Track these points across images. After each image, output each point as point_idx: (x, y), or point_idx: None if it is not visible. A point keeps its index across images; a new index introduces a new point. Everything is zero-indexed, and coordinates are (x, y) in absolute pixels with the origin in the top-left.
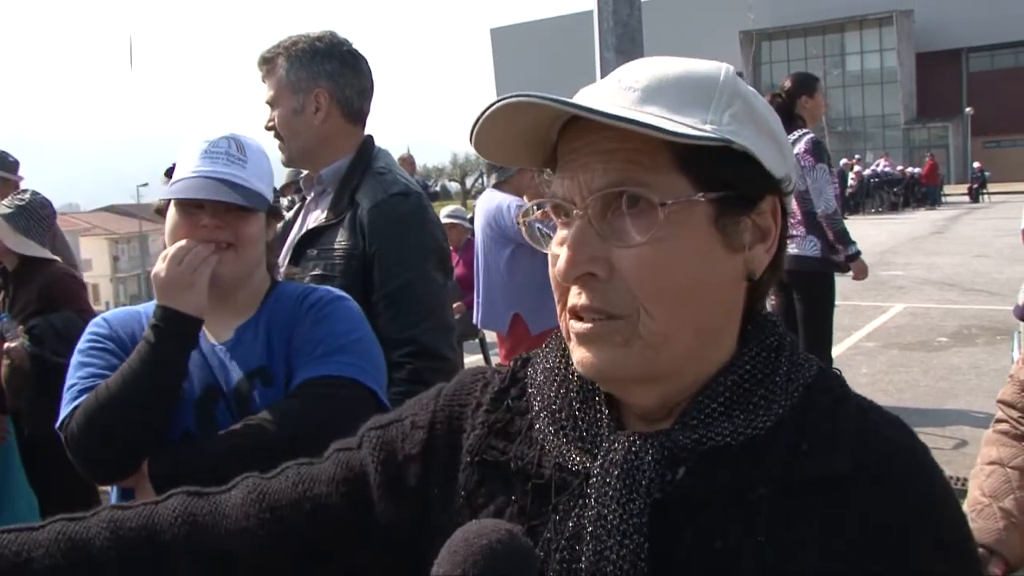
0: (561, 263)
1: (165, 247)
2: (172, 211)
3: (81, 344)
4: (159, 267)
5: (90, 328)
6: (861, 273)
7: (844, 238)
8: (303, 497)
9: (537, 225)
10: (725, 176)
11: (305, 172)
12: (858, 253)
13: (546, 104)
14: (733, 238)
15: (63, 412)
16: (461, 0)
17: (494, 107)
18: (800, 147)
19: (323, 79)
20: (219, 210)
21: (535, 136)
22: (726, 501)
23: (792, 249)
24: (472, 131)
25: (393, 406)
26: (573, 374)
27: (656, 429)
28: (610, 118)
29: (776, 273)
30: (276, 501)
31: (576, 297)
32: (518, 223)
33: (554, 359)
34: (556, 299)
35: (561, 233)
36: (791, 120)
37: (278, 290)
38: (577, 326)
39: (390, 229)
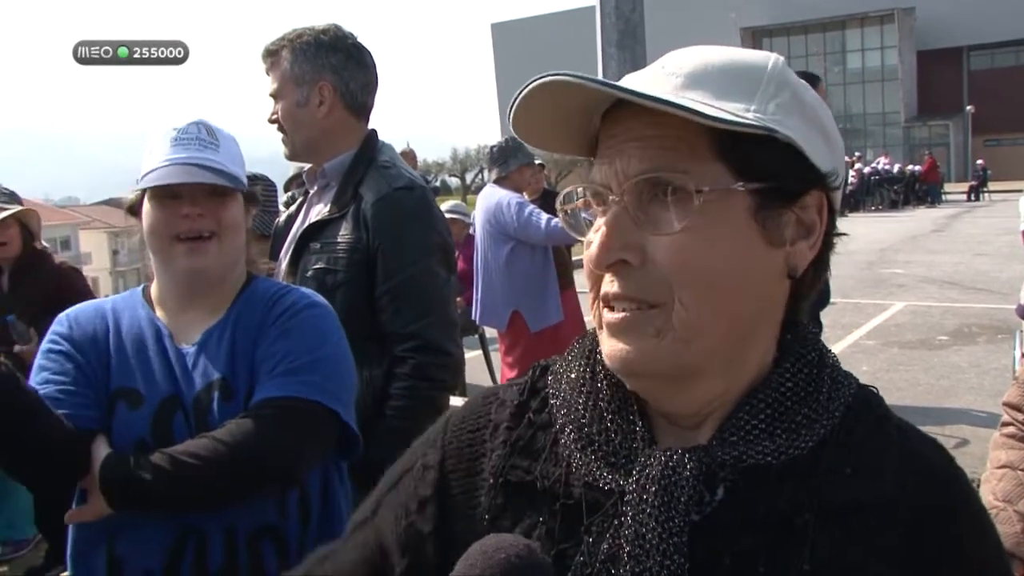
0: (594, 248)
1: (146, 246)
2: (148, 206)
3: (44, 344)
4: None
5: (53, 325)
6: None
7: None
8: None
9: (583, 214)
10: (767, 166)
11: (308, 166)
12: None
13: (582, 84)
14: (773, 232)
15: None
16: None
17: (532, 86)
18: None
19: (327, 72)
20: (198, 197)
21: (577, 123)
22: (768, 525)
23: None
24: (510, 114)
25: (397, 400)
26: (603, 383)
27: (692, 444)
28: (650, 100)
29: (820, 274)
30: None
31: (609, 285)
32: (558, 211)
33: (579, 369)
34: (589, 287)
35: (599, 220)
36: None
37: (251, 288)
38: (609, 316)
39: (394, 223)
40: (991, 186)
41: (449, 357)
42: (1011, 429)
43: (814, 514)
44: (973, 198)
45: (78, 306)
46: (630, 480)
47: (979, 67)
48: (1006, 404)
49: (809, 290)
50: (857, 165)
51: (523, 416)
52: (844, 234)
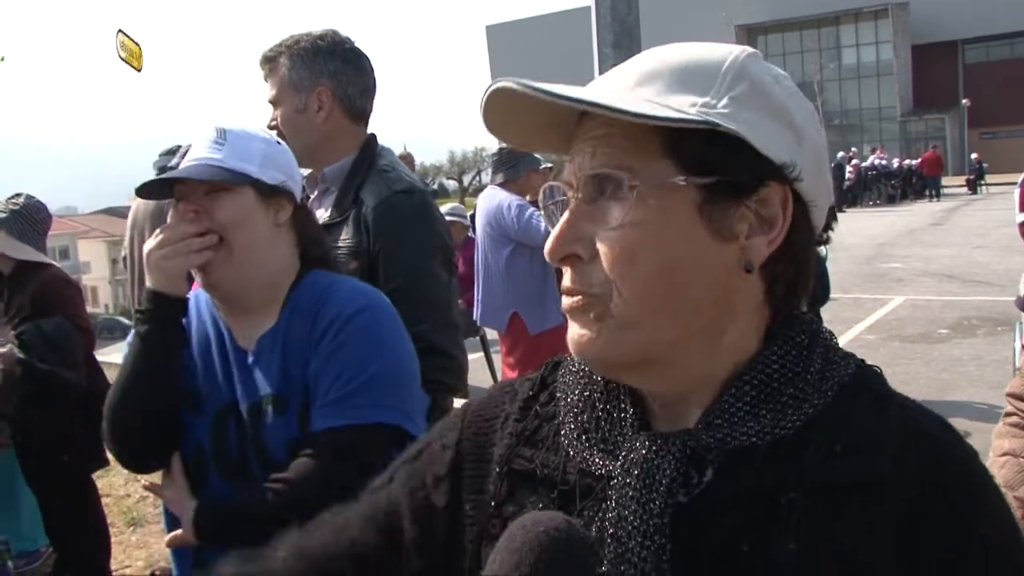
0: (548, 242)
1: None
2: None
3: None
4: (147, 248)
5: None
6: None
7: None
8: (342, 546)
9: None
10: (712, 161)
11: (308, 171)
12: None
13: (512, 88)
14: (722, 226)
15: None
16: None
17: (487, 95)
18: None
19: (325, 78)
20: (194, 197)
21: (554, 121)
22: (753, 504)
23: None
24: (483, 118)
25: None
26: (598, 374)
27: (681, 428)
28: (566, 100)
29: (797, 267)
30: (316, 556)
31: (566, 278)
32: (541, 207)
33: (581, 362)
34: None
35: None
36: None
37: (299, 289)
38: (565, 301)
39: (395, 227)
40: (988, 179)
41: (452, 360)
42: (1015, 419)
43: (800, 492)
44: (971, 191)
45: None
46: (616, 464)
47: (974, 60)
48: (1010, 394)
49: (787, 283)
50: (854, 160)
51: (530, 409)
52: (830, 228)
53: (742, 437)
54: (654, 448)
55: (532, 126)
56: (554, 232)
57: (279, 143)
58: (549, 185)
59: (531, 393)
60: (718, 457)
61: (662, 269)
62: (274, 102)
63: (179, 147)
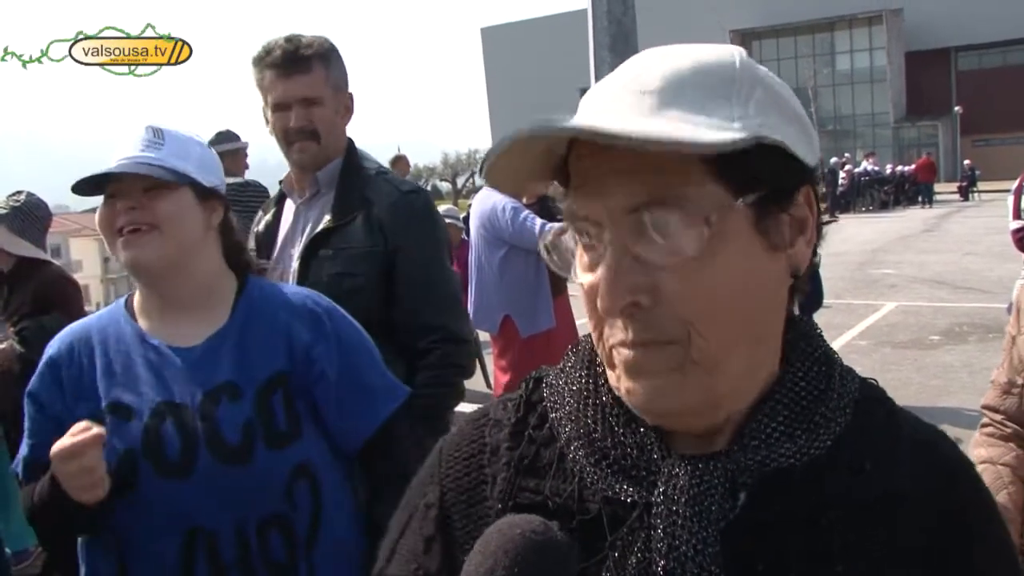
0: (602, 298)
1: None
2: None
3: (33, 379)
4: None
5: (44, 358)
6: None
7: None
8: None
9: (565, 247)
10: (760, 174)
11: (283, 175)
12: None
13: (562, 132)
14: (775, 237)
15: (18, 461)
16: None
17: (505, 143)
18: None
19: (345, 81)
20: (132, 193)
21: (541, 157)
22: (794, 526)
23: None
24: (483, 169)
25: (427, 389)
26: (607, 395)
27: (711, 451)
28: (641, 140)
29: (813, 264)
30: None
31: (622, 332)
32: (544, 250)
33: (580, 380)
34: (591, 327)
35: (586, 258)
36: None
37: (249, 291)
38: (624, 352)
39: (410, 225)
40: (980, 186)
41: (469, 344)
42: (990, 429)
43: (839, 512)
44: (963, 198)
45: (67, 332)
46: (656, 491)
47: (967, 68)
48: (985, 407)
49: (804, 283)
50: (847, 166)
51: (522, 434)
52: (834, 220)
53: (780, 459)
54: (698, 473)
55: (529, 167)
56: (605, 286)
57: (211, 148)
58: (561, 227)
59: (518, 415)
60: (750, 479)
61: (739, 298)
62: (311, 100)
63: (224, 132)
